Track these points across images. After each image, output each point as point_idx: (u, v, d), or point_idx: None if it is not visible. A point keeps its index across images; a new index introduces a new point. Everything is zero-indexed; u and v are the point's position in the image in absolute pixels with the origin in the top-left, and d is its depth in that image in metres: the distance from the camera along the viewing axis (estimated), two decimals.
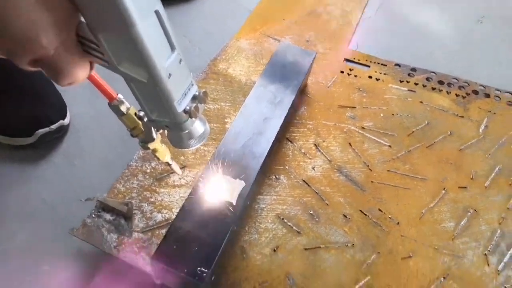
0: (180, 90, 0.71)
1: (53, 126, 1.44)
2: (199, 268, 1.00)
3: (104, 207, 1.22)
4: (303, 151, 1.49)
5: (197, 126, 0.81)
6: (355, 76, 1.79)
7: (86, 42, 0.63)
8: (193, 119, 0.77)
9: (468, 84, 1.79)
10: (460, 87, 1.78)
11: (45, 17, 0.56)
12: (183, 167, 1.38)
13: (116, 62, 0.63)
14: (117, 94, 0.85)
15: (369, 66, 1.85)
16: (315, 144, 1.51)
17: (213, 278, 1.10)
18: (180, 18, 2.07)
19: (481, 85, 1.79)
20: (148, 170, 1.36)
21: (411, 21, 2.14)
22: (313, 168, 1.44)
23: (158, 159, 0.99)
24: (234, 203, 1.14)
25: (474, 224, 1.34)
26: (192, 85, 0.75)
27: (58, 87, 1.54)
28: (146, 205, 1.27)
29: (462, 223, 1.34)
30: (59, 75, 0.64)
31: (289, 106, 1.41)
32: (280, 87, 1.47)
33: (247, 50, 1.85)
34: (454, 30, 2.10)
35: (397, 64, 1.87)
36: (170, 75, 0.66)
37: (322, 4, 2.17)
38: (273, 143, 1.31)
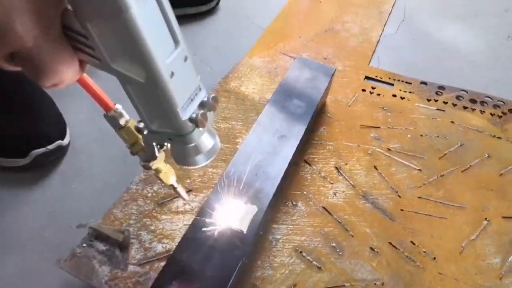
0: (185, 94, 0.59)
1: (50, 147, 1.31)
2: None
3: (97, 235, 1.08)
4: (323, 174, 1.33)
5: (205, 139, 0.68)
6: (378, 94, 1.65)
7: (73, 35, 0.51)
8: (201, 129, 0.64)
9: (504, 103, 1.63)
10: (495, 106, 1.62)
11: None
12: (188, 191, 1.23)
13: (109, 58, 0.51)
14: (115, 104, 0.72)
15: (392, 85, 1.71)
16: (336, 167, 1.36)
17: None
18: (190, 36, 1.97)
19: None
20: (149, 194, 1.22)
21: (436, 37, 2.00)
22: (334, 194, 1.28)
23: (162, 181, 0.85)
24: (245, 232, 0.98)
25: None
26: (200, 89, 0.63)
27: (59, 104, 1.42)
28: (145, 233, 1.12)
29: (510, 259, 1.16)
30: (40, 73, 0.51)
31: (307, 124, 1.27)
32: (297, 103, 1.33)
33: (261, 68, 1.73)
34: (483, 47, 1.95)
35: (423, 82, 1.72)
36: (172, 74, 0.54)
37: (340, 21, 2.06)
38: (289, 164, 1.16)
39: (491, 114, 1.58)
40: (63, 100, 1.48)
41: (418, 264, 1.13)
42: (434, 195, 1.30)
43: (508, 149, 1.45)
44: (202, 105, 0.63)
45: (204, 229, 0.97)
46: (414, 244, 1.17)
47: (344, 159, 1.39)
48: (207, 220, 0.99)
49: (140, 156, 0.78)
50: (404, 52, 1.91)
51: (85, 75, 0.65)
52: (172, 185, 0.89)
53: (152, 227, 1.14)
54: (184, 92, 0.59)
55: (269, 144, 1.19)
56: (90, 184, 1.35)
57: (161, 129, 0.64)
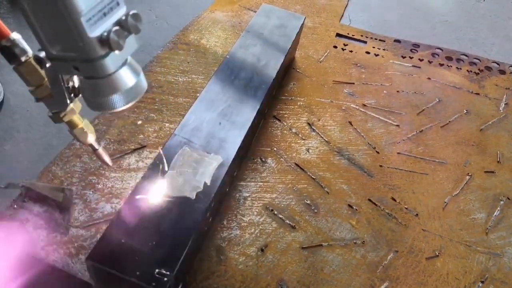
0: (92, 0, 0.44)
1: None
2: (157, 270, 0.69)
3: (32, 195, 0.90)
4: (294, 130, 1.20)
5: (124, 74, 0.52)
6: (350, 51, 1.54)
7: None
8: (116, 54, 0.48)
9: (480, 61, 1.56)
10: (471, 63, 1.54)
11: None
12: (142, 147, 1.07)
13: None
14: (12, 32, 0.56)
15: (365, 42, 1.60)
16: (308, 123, 1.23)
17: (180, 287, 0.79)
18: None
19: (494, 62, 1.56)
20: None
21: None
22: (307, 150, 1.16)
23: (78, 139, 0.67)
24: (208, 183, 0.84)
25: (509, 214, 1.08)
26: (118, 4, 0.48)
27: None
28: (91, 193, 0.96)
29: (495, 213, 1.07)
30: None
31: (276, 72, 1.13)
32: (265, 49, 1.20)
33: (224, 22, 1.58)
34: (455, 8, 1.88)
35: (396, 40, 1.62)
36: None
37: None
38: (257, 113, 1.03)
39: (468, 71, 1.51)
40: None
41: (400, 221, 1.03)
42: (414, 151, 1.20)
43: (486, 105, 1.38)
44: (119, 25, 0.47)
45: (158, 182, 0.82)
46: (395, 201, 1.07)
47: (317, 115, 1.26)
48: (162, 172, 0.84)
49: (47, 103, 0.61)
50: (375, 11, 1.81)
51: None
52: (91, 146, 0.71)
53: (99, 186, 0.97)
54: None
55: (235, 91, 1.05)
56: (26, 146, 1.16)
57: (63, 52, 0.48)
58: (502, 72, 1.52)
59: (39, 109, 1.23)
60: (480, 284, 0.94)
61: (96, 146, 0.71)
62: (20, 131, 1.20)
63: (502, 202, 1.10)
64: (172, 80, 1.29)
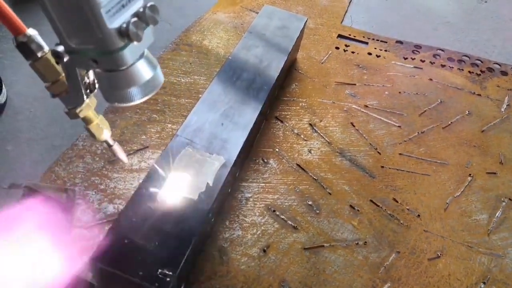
0: None
1: None
2: (160, 271, 0.70)
3: (34, 196, 0.91)
4: (296, 131, 1.21)
5: (142, 67, 0.53)
6: (352, 52, 1.54)
7: None
8: (135, 45, 0.49)
9: (482, 62, 1.56)
10: (472, 65, 1.54)
11: None
12: (144, 148, 1.08)
13: None
14: (28, 28, 0.56)
15: (367, 43, 1.60)
16: (310, 124, 1.23)
17: (182, 287, 0.79)
18: None
19: (496, 63, 1.56)
20: (99, 151, 1.05)
21: None
22: (309, 151, 1.16)
23: (93, 136, 0.67)
24: (211, 184, 0.84)
25: (511, 215, 1.08)
26: None
27: None
28: (94, 193, 0.96)
29: (497, 215, 1.08)
30: None
31: (278, 73, 1.14)
32: (267, 51, 1.20)
33: (226, 23, 1.58)
34: (457, 9, 1.88)
35: (398, 41, 1.62)
36: None
37: None
38: (259, 114, 1.03)
39: (470, 72, 1.51)
40: None
41: (402, 222, 1.03)
42: (416, 151, 1.20)
43: (488, 106, 1.38)
44: (137, 16, 0.48)
45: (161, 183, 0.82)
46: (396, 201, 1.07)
47: (319, 116, 1.27)
48: (165, 173, 0.84)
49: (63, 99, 0.61)
50: (377, 12, 1.82)
51: None
52: (106, 142, 0.71)
53: (102, 186, 0.98)
54: None
55: (237, 92, 1.05)
56: (28, 146, 1.16)
57: (82, 45, 0.48)
58: (504, 73, 1.52)
59: (42, 110, 1.23)
60: (482, 285, 0.94)
61: (111, 142, 0.71)
62: (23, 131, 1.20)
63: (504, 203, 1.10)
64: (175, 81, 1.29)
